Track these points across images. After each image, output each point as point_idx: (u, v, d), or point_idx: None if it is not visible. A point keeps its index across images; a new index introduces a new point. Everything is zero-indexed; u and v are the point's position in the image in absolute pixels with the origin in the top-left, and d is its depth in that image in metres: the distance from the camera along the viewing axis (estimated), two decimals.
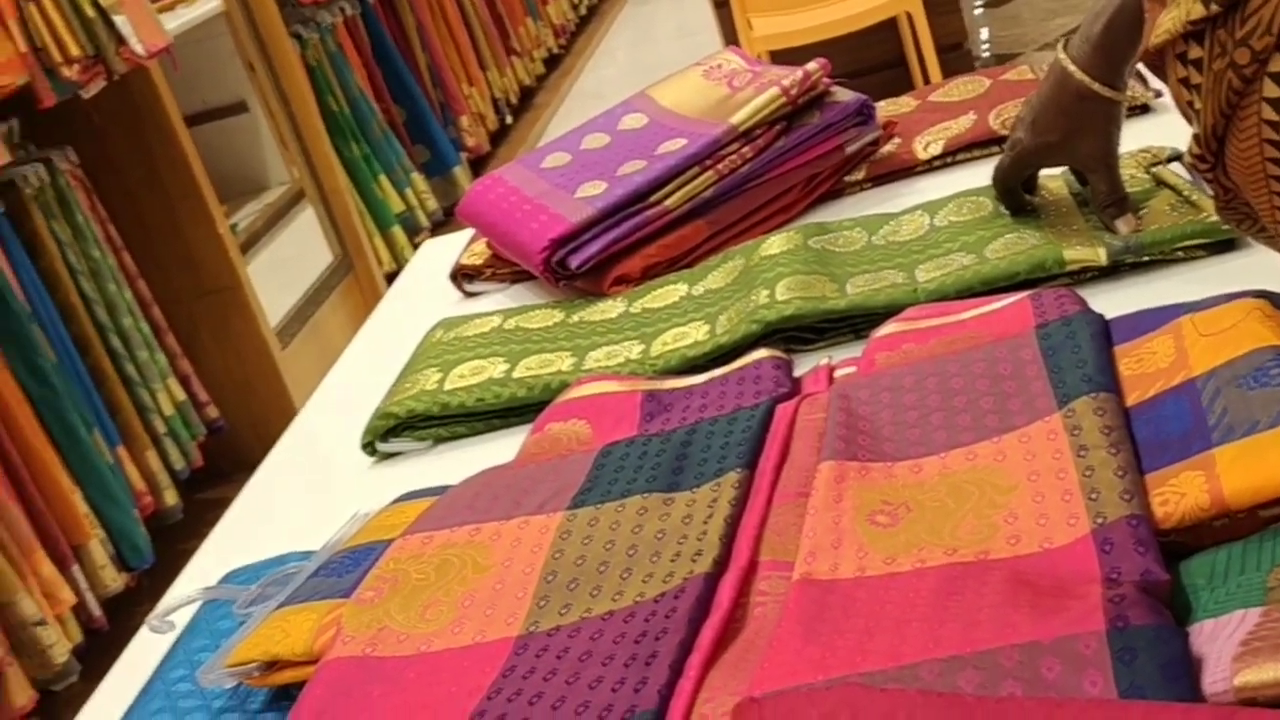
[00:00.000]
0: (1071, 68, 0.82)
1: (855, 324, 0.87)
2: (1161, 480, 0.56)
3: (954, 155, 1.10)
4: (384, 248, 3.61)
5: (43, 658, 2.04)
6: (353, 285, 3.45)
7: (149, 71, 2.68)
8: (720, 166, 1.07)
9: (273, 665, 0.66)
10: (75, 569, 2.18)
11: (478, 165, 4.26)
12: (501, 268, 1.17)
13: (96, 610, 2.21)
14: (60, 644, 2.07)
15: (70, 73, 2.33)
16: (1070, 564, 0.53)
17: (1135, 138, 0.95)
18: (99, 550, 2.24)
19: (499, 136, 4.59)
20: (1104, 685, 0.45)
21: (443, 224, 3.81)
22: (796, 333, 0.88)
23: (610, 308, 1.01)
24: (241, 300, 2.85)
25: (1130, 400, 0.62)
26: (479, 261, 1.19)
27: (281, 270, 3.23)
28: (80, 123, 2.61)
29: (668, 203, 1.06)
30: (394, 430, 0.94)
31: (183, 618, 0.79)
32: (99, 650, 2.17)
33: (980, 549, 0.55)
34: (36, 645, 2.03)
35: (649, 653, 0.55)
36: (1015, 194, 0.92)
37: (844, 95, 1.10)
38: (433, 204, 3.87)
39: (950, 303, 0.81)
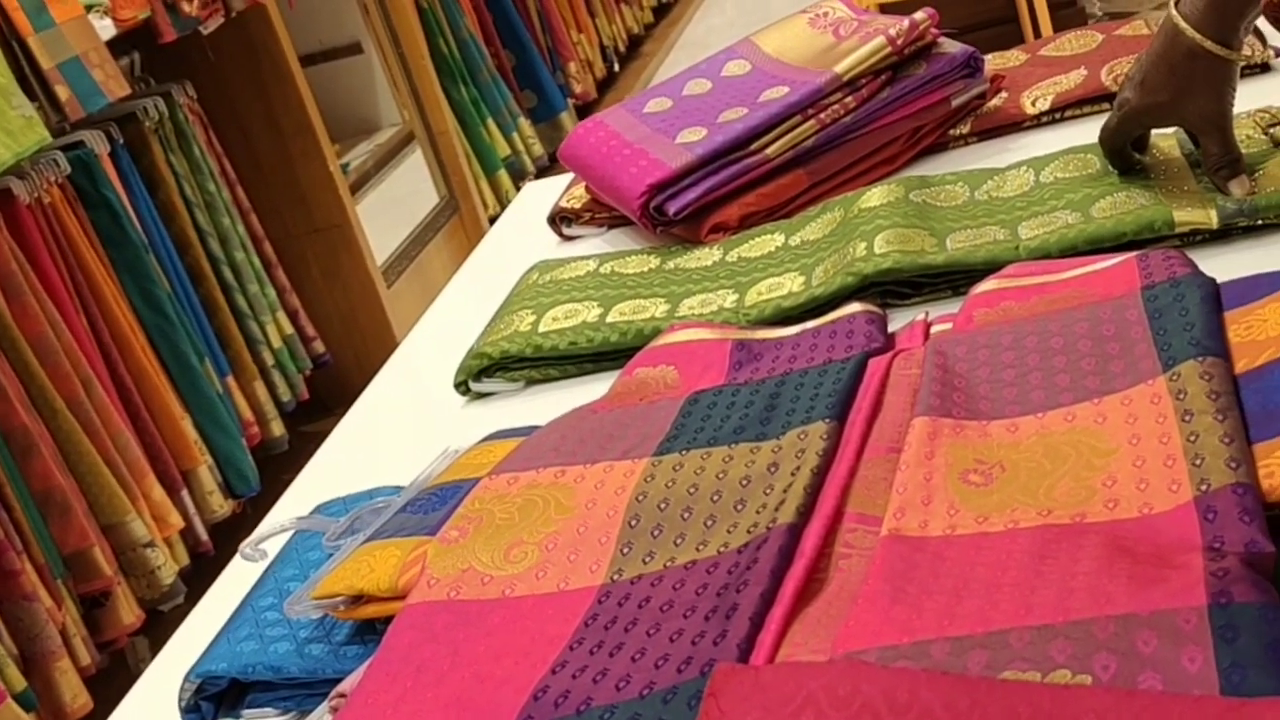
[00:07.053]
0: (1183, 24, 0.79)
1: (954, 280, 0.85)
2: (1269, 451, 0.54)
3: (1062, 111, 1.07)
4: (489, 191, 3.63)
5: (151, 579, 2.11)
6: (457, 227, 3.48)
7: (266, 10, 2.71)
8: (822, 116, 1.05)
9: (358, 599, 0.66)
10: (184, 494, 2.24)
11: (584, 112, 4.25)
12: (599, 212, 1.17)
13: (204, 535, 2.27)
14: (168, 566, 2.13)
15: (190, 8, 2.37)
16: (1171, 531, 0.51)
17: (1253, 97, 0.92)
18: (207, 477, 2.30)
19: (606, 84, 4.57)
20: (1203, 663, 0.43)
21: (548, 169, 3.81)
22: (893, 287, 0.87)
23: (706, 255, 1.00)
24: (350, 238, 2.89)
25: (1239, 367, 0.60)
26: (577, 205, 1.19)
27: (389, 210, 3.27)
28: (198, 59, 2.65)
29: (768, 151, 1.05)
30: (487, 370, 0.95)
31: (275, 546, 0.81)
32: (205, 574, 2.23)
33: (1076, 511, 0.54)
34: (145, 566, 2.10)
35: (730, 605, 0.54)
36: (1124, 154, 0.89)
37: (951, 47, 1.07)
38: (539, 149, 3.87)
39: (1053, 261, 0.79)
